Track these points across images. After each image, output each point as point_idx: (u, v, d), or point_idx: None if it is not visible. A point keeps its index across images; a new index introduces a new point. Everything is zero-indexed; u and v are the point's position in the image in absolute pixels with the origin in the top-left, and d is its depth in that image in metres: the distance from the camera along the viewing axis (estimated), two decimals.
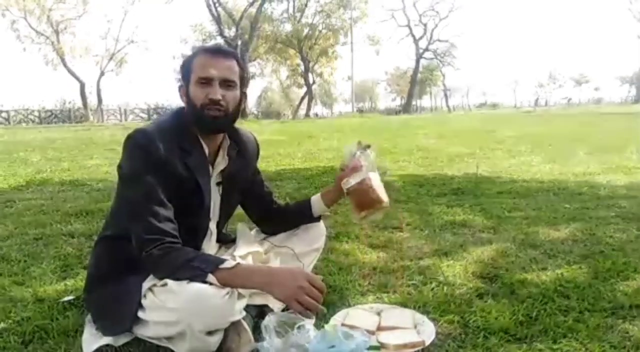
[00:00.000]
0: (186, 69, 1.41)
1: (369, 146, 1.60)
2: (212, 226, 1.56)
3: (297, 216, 1.71)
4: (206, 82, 1.36)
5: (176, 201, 1.36)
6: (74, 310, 1.63)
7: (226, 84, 1.38)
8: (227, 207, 1.59)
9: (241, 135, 1.57)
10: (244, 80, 1.46)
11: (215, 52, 1.41)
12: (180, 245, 1.31)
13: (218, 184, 1.52)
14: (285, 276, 1.23)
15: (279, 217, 1.72)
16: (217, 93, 1.36)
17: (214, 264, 1.25)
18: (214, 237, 1.59)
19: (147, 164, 1.31)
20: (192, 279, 1.22)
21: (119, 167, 1.38)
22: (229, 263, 1.26)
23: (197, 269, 1.23)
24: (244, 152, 1.57)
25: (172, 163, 1.35)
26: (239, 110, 1.45)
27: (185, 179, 1.38)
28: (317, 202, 1.69)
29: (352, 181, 1.55)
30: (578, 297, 1.65)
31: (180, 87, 1.44)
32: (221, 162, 1.50)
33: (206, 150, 1.45)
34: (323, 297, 1.21)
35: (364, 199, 1.54)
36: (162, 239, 1.28)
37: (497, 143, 7.86)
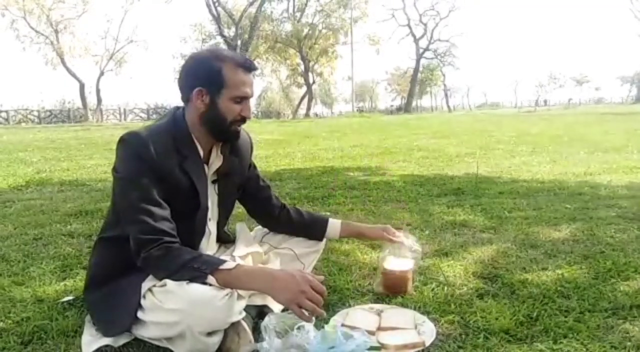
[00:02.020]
0: (214, 77, 1.36)
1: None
2: (212, 226, 1.56)
3: (308, 230, 1.72)
4: (241, 100, 1.40)
5: (173, 203, 1.36)
6: (74, 310, 1.62)
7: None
8: (225, 206, 1.59)
9: None
10: None
11: (250, 69, 1.41)
12: (179, 244, 1.31)
13: (214, 182, 1.52)
14: (287, 280, 1.22)
15: (285, 221, 1.71)
16: (250, 111, 1.42)
17: (214, 265, 1.24)
18: (213, 237, 1.59)
19: (140, 167, 1.32)
20: (192, 280, 1.22)
21: (114, 170, 1.38)
22: (229, 264, 1.26)
23: (197, 270, 1.23)
24: (237, 148, 1.57)
25: (168, 166, 1.35)
26: None
27: (182, 182, 1.38)
28: (334, 228, 1.71)
29: (395, 269, 1.70)
30: (578, 298, 1.65)
31: (198, 91, 1.37)
32: (215, 161, 1.50)
33: (201, 152, 1.45)
34: (324, 301, 1.22)
35: (396, 284, 1.71)
36: (160, 239, 1.28)
37: (497, 143, 7.86)
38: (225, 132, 1.42)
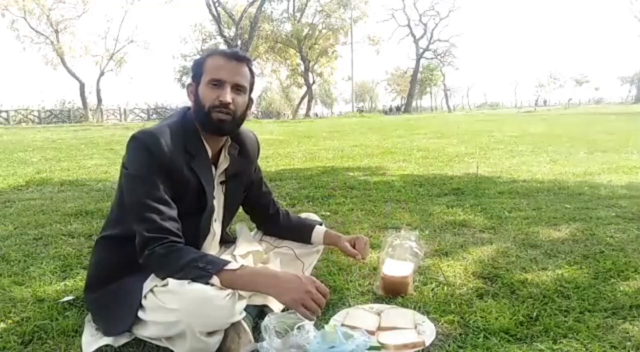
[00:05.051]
0: (198, 68, 1.41)
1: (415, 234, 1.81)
2: (217, 227, 1.57)
3: (295, 234, 1.75)
4: (218, 84, 1.37)
5: (180, 203, 1.36)
6: (74, 310, 1.63)
7: (237, 88, 1.40)
8: (230, 207, 1.60)
9: (242, 134, 1.57)
10: (253, 87, 1.48)
11: (231, 56, 1.41)
12: (183, 244, 1.31)
13: (222, 183, 1.53)
14: (292, 280, 1.24)
15: (277, 224, 1.75)
16: (228, 96, 1.37)
17: (219, 265, 1.25)
18: (217, 238, 1.59)
19: (151, 165, 1.32)
20: (195, 279, 1.22)
21: (123, 167, 1.37)
22: (234, 265, 1.27)
23: (202, 269, 1.23)
24: (245, 150, 1.57)
25: (177, 165, 1.35)
26: (245, 115, 1.46)
27: (190, 181, 1.38)
28: (318, 235, 1.73)
29: (396, 275, 1.71)
30: (578, 298, 1.65)
31: (188, 85, 1.45)
32: (224, 162, 1.51)
33: (209, 152, 1.45)
34: (327, 302, 1.25)
35: (396, 289, 1.71)
36: (165, 238, 1.28)
37: (497, 143, 7.86)
38: (207, 120, 1.38)
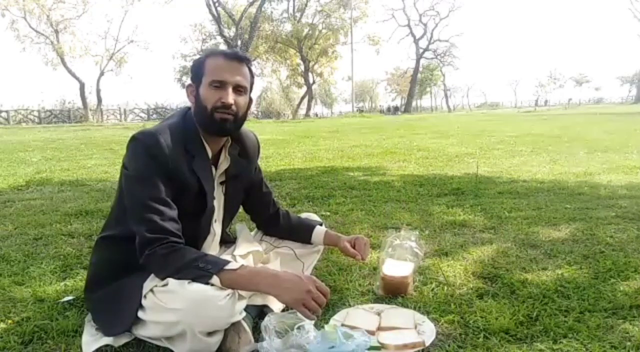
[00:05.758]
0: (198, 69, 1.41)
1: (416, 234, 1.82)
2: (217, 227, 1.57)
3: (295, 234, 1.76)
4: (219, 85, 1.37)
5: (181, 203, 1.36)
6: (74, 310, 1.62)
7: (238, 89, 1.40)
8: (231, 207, 1.60)
9: (242, 135, 1.58)
10: (252, 86, 1.49)
11: (231, 56, 1.41)
12: (184, 245, 1.31)
13: (222, 183, 1.53)
14: (293, 280, 1.24)
15: (277, 224, 1.75)
16: (230, 97, 1.37)
17: (219, 265, 1.25)
18: (217, 238, 1.59)
19: (152, 165, 1.32)
20: (195, 279, 1.22)
21: (124, 167, 1.37)
22: (234, 265, 1.27)
23: (202, 269, 1.24)
24: (245, 151, 1.58)
25: (177, 166, 1.35)
26: (246, 115, 1.47)
27: (190, 182, 1.39)
28: (318, 236, 1.74)
29: (396, 275, 1.71)
30: (578, 298, 1.65)
31: (188, 86, 1.45)
32: (224, 162, 1.51)
33: (209, 153, 1.45)
34: (327, 301, 1.25)
35: (396, 289, 1.71)
36: (166, 238, 1.28)
37: (497, 143, 7.87)
38: (209, 121, 1.38)
